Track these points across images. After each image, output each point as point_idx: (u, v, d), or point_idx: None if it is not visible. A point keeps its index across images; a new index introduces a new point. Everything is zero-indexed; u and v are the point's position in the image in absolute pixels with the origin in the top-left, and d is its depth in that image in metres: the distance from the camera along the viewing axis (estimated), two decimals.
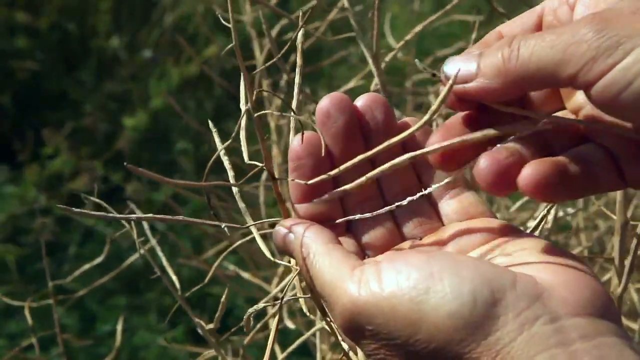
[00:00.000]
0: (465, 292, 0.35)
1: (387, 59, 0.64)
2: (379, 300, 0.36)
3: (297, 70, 0.43)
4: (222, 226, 0.43)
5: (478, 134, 0.40)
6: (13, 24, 2.15)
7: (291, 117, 0.44)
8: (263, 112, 0.43)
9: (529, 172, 0.37)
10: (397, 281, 0.36)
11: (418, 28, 0.63)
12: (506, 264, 0.38)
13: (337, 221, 0.44)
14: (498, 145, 0.40)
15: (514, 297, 0.35)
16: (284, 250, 0.43)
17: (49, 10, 2.20)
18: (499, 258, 0.39)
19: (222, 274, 0.82)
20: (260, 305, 0.45)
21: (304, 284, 0.49)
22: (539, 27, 0.42)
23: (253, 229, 0.46)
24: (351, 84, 0.80)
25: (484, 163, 0.39)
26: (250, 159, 0.43)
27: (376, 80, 0.63)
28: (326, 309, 0.41)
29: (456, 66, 0.39)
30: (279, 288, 0.57)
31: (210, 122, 0.47)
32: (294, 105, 0.45)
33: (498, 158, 0.39)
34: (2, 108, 2.04)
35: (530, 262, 0.38)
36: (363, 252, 0.45)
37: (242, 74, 0.40)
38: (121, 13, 2.29)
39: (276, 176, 0.43)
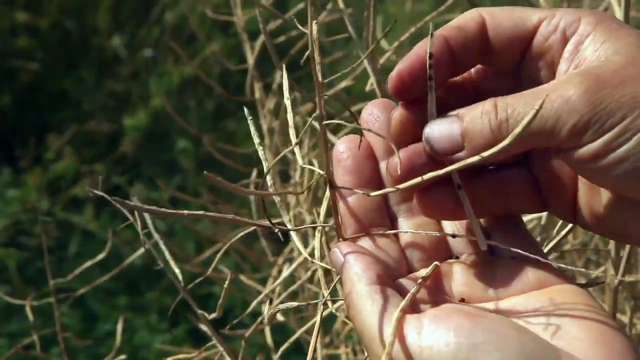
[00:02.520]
0: None
1: (382, 60, 0.64)
2: None
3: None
4: (276, 230, 0.43)
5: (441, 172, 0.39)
6: (13, 24, 2.15)
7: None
8: (331, 121, 0.43)
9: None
10: (437, 346, 0.35)
11: (412, 29, 0.63)
12: (551, 334, 0.37)
13: (373, 193, 0.43)
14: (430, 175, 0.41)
15: None
16: (337, 271, 0.42)
17: (49, 9, 2.20)
18: (544, 319, 0.38)
19: (219, 276, 0.82)
20: (272, 307, 0.45)
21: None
22: (529, 40, 0.41)
23: (293, 235, 0.46)
24: (343, 84, 0.80)
25: (418, 198, 0.42)
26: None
27: (372, 79, 0.63)
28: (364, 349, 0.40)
29: (440, 135, 0.40)
30: (271, 288, 0.58)
31: (245, 109, 0.47)
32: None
33: (431, 196, 0.42)
34: (3, 109, 2.04)
35: (576, 336, 0.37)
36: (405, 257, 0.44)
37: (315, 81, 0.40)
38: (121, 12, 2.29)
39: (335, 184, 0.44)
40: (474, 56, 0.42)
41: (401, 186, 0.41)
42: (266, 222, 0.42)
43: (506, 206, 0.43)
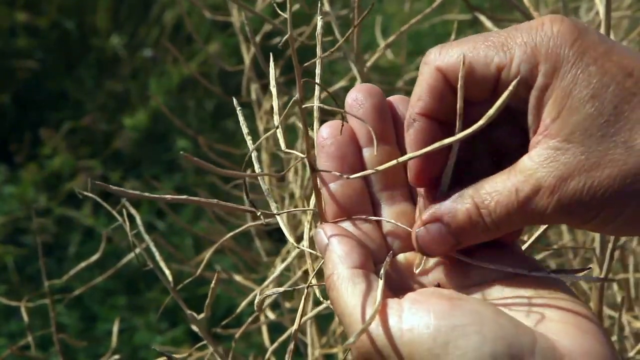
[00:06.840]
0: (485, 353, 0.34)
1: (370, 63, 0.65)
2: (397, 344, 0.36)
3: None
4: (258, 213, 0.43)
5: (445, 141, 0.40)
6: (13, 24, 2.15)
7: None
8: (311, 104, 0.43)
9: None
10: (418, 328, 0.36)
11: (402, 29, 0.63)
12: (527, 318, 0.38)
13: (353, 176, 0.43)
14: None
15: None
16: (321, 252, 0.43)
17: (48, 9, 2.20)
18: (519, 304, 0.39)
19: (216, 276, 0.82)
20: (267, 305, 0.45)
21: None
22: (495, 84, 0.40)
23: (279, 219, 0.46)
24: (340, 84, 0.80)
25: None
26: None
27: (359, 81, 0.63)
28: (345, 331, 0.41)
29: (432, 241, 0.41)
30: (261, 288, 0.58)
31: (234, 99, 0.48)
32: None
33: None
34: (1, 108, 2.04)
35: (550, 319, 0.38)
36: (385, 242, 0.44)
37: (294, 65, 0.40)
38: (120, 12, 2.29)
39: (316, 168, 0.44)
40: (453, 108, 0.42)
41: (379, 168, 0.41)
42: (249, 207, 0.43)
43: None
